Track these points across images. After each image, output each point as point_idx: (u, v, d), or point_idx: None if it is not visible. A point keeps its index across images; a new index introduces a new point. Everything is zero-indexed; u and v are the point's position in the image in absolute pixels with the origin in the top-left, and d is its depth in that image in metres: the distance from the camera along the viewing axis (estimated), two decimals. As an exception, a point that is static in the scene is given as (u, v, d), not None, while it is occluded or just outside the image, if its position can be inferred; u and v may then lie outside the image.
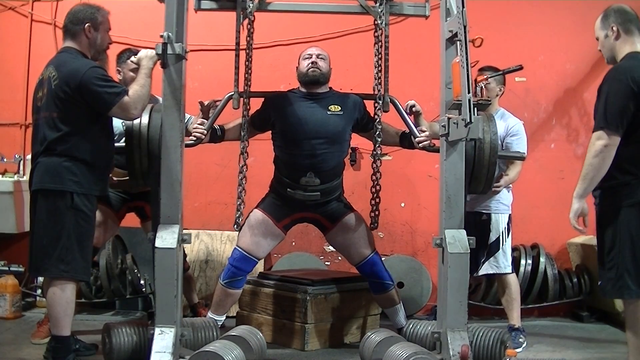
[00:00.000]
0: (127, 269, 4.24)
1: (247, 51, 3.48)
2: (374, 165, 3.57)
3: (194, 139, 3.33)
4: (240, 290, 3.58)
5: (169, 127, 2.93)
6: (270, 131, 3.63)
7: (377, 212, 3.59)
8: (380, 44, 3.50)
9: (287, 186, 3.51)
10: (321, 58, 3.58)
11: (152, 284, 3.78)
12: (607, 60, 3.00)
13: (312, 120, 3.48)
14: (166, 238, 2.86)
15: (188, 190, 4.21)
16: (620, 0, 3.05)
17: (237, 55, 3.48)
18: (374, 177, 3.58)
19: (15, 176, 4.53)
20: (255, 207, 3.59)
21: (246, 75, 3.50)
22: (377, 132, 3.52)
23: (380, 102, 3.50)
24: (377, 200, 3.59)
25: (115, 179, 3.54)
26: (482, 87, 3.66)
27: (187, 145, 3.23)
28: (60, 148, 2.98)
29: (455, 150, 3.01)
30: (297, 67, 3.64)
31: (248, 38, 3.48)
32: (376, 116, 3.53)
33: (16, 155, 4.75)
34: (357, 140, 3.89)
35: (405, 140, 3.57)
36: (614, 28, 2.89)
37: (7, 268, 4.36)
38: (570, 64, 4.86)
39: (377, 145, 3.53)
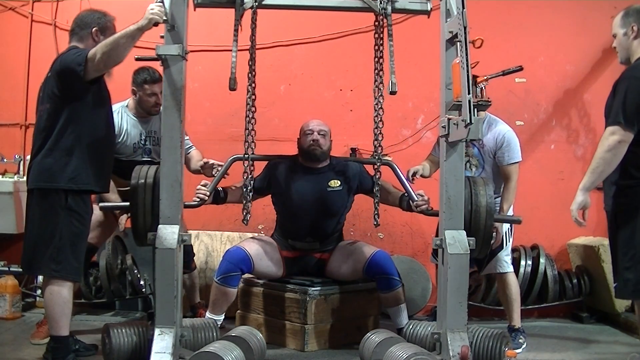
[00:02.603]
0: (127, 270, 4.23)
1: (251, 52, 3.37)
2: (375, 167, 3.57)
3: (197, 200, 3.35)
4: (235, 289, 3.56)
5: (168, 127, 2.93)
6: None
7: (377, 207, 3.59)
8: (381, 42, 3.48)
9: (288, 238, 3.71)
10: (322, 134, 3.66)
11: (152, 285, 3.78)
12: (621, 59, 3.01)
13: (312, 197, 3.62)
14: (166, 238, 2.86)
15: (188, 190, 4.19)
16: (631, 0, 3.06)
17: (235, 51, 3.39)
18: (375, 177, 3.57)
19: (15, 176, 4.52)
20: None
21: (249, 75, 3.36)
22: (377, 189, 3.55)
23: (379, 164, 3.52)
24: (378, 199, 3.58)
25: (118, 188, 3.54)
26: (482, 88, 3.66)
27: (189, 207, 3.25)
28: (53, 143, 2.99)
29: (455, 151, 3.01)
30: (298, 139, 3.72)
31: (251, 40, 3.37)
32: (376, 175, 3.55)
33: (16, 156, 4.75)
34: (357, 141, 3.89)
35: (404, 203, 3.58)
36: (634, 27, 2.90)
37: (7, 268, 4.36)
38: (570, 65, 4.86)
39: (378, 146, 3.53)
